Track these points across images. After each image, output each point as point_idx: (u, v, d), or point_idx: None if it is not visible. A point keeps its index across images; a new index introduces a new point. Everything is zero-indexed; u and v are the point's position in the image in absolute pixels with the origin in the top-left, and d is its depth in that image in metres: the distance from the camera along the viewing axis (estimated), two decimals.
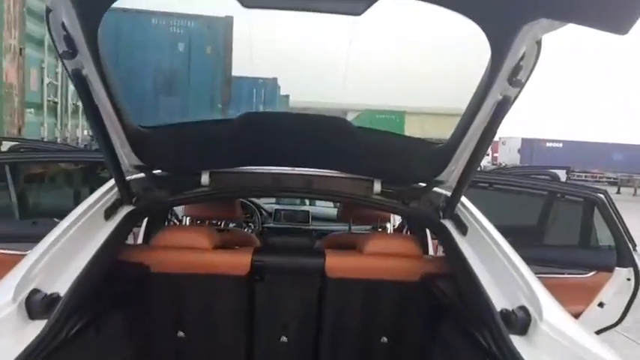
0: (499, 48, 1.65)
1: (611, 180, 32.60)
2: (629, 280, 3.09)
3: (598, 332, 3.12)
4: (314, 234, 4.55)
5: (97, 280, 1.93)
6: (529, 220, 3.77)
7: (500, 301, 1.84)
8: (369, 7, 1.23)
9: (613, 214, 3.12)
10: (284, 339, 2.59)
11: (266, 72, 15.63)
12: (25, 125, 7.01)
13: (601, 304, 3.09)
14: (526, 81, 1.71)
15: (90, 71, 1.72)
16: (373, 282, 2.52)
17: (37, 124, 7.51)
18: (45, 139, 7.47)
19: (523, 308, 1.74)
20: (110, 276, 2.07)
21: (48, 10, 1.57)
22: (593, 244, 3.43)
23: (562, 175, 3.95)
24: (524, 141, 39.45)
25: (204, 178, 2.34)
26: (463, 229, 2.26)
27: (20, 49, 6.63)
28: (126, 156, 2.17)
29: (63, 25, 1.57)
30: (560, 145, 37.65)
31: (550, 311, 1.68)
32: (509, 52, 1.62)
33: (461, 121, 2.03)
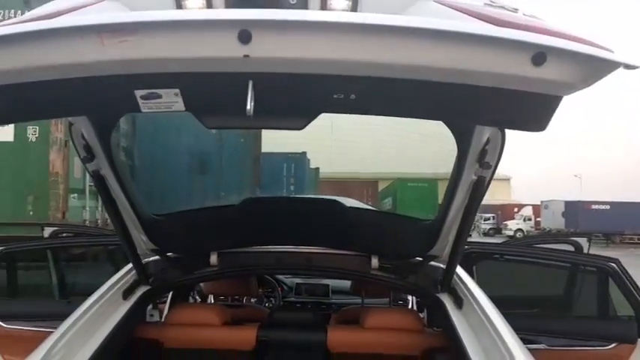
0: (462, 138, 1.88)
1: None
2: None
3: None
4: (334, 307, 4.69)
5: (114, 355, 2.17)
6: (549, 290, 3.75)
7: None
8: (308, 123, 1.49)
9: (628, 283, 3.07)
10: None
11: (295, 146, 16.29)
12: (68, 209, 7.59)
13: None
14: (496, 163, 1.85)
15: (106, 172, 2.08)
16: (376, 356, 2.61)
17: (79, 207, 8.09)
18: (87, 222, 8.02)
19: None
20: (127, 351, 2.31)
21: (70, 124, 1.93)
22: (612, 314, 3.35)
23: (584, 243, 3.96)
24: (568, 204, 38.27)
25: (213, 259, 2.61)
26: (459, 302, 2.34)
27: (65, 142, 7.32)
28: (143, 241, 2.48)
29: (82, 135, 1.93)
30: (607, 207, 36.21)
31: None
32: (472, 141, 1.82)
33: (444, 199, 2.22)
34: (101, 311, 2.27)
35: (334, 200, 2.58)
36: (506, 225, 43.36)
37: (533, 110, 1.32)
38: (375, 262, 2.57)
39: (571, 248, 3.88)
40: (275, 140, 14.28)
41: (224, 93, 1.30)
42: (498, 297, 3.35)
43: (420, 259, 2.52)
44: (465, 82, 1.25)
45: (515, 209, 48.25)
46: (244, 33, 1.13)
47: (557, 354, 2.96)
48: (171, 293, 3.39)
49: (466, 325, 2.22)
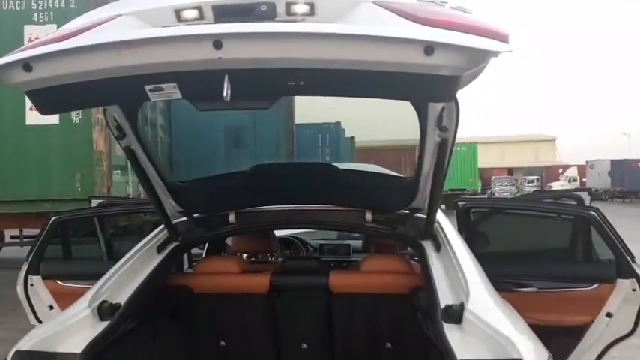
0: (420, 108, 2.17)
1: None
2: (634, 290, 3.22)
3: (614, 343, 3.28)
4: (354, 264, 5.08)
5: (149, 296, 2.61)
6: (547, 242, 3.96)
7: (448, 299, 2.27)
8: (273, 103, 1.86)
9: (607, 230, 3.28)
10: (304, 346, 3.13)
11: (329, 117, 16.41)
12: (113, 185, 8.22)
13: (609, 314, 3.26)
14: (455, 127, 2.12)
15: (136, 147, 2.50)
16: (372, 295, 3.01)
17: (122, 183, 8.72)
18: (130, 196, 8.64)
19: (461, 304, 2.16)
20: (161, 295, 2.75)
21: (104, 109, 2.34)
22: (594, 258, 3.57)
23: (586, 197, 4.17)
24: (614, 163, 37.29)
25: (231, 218, 3.01)
26: (438, 246, 2.70)
27: (106, 122, 7.87)
28: (172, 205, 2.89)
29: (114, 118, 2.34)
30: None
31: (475, 304, 2.09)
32: (428, 109, 2.12)
33: (417, 158, 2.55)
34: (140, 261, 2.73)
35: (328, 164, 2.91)
36: (550, 187, 42.41)
37: (438, 86, 1.64)
38: (368, 215, 2.95)
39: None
40: (309, 111, 14.48)
41: (208, 84, 1.68)
42: (504, 251, 3.66)
43: (407, 211, 2.87)
44: (382, 69, 1.60)
45: (560, 170, 47.14)
46: (217, 42, 1.55)
47: (543, 295, 3.26)
48: (205, 251, 3.86)
49: (440, 265, 2.56)
